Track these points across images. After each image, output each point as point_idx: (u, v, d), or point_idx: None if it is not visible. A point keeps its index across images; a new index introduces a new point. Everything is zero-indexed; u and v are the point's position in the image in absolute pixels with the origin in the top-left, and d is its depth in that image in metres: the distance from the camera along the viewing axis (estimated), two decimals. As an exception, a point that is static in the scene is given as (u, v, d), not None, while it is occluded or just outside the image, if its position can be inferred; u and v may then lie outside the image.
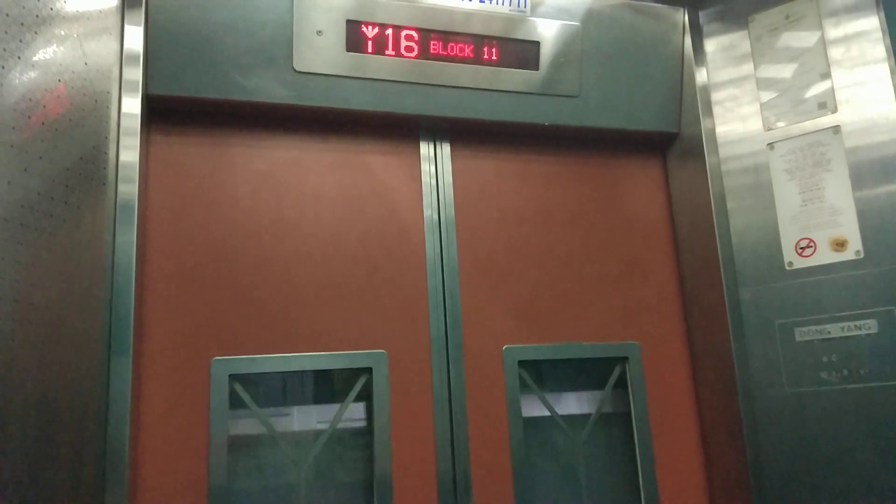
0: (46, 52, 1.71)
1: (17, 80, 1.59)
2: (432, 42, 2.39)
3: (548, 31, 2.49)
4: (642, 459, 2.50)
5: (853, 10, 2.40)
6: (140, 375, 2.06)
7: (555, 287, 2.56)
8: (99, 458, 1.83)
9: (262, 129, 2.36)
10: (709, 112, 2.59)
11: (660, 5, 2.66)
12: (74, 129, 1.81)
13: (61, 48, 1.77)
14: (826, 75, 2.42)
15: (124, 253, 1.97)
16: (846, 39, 2.40)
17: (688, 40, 2.65)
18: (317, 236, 2.34)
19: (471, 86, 2.44)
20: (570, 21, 2.53)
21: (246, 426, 2.22)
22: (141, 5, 2.11)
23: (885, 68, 2.33)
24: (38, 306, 1.61)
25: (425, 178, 2.50)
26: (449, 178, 2.52)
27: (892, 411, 2.20)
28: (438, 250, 2.44)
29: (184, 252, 2.21)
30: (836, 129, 2.38)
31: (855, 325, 2.28)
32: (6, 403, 1.49)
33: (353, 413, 2.33)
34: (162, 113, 2.24)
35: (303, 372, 2.28)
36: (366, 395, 2.30)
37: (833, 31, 2.43)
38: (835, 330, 2.30)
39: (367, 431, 2.29)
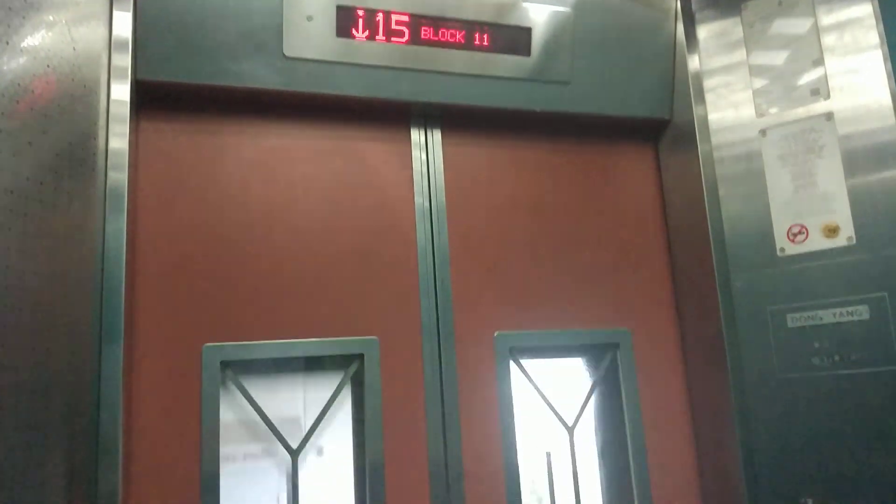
0: (35, 38, 1.70)
1: (5, 66, 1.58)
2: (423, 28, 2.38)
3: (539, 17, 2.49)
4: (633, 445, 2.51)
5: (846, -3, 2.40)
6: (131, 362, 2.06)
7: (546, 274, 2.56)
8: (91, 445, 1.83)
9: (252, 115, 2.35)
10: (701, 99, 2.59)
11: (652, -9, 2.66)
12: (63, 115, 1.80)
13: (50, 34, 1.76)
14: (819, 62, 2.42)
15: (114, 240, 1.96)
16: (839, 26, 2.40)
17: (680, 27, 2.64)
18: (307, 223, 2.34)
19: (462, 72, 2.43)
20: (562, 7, 2.52)
21: (238, 412, 2.22)
22: (130, -9, 2.10)
23: (878, 55, 2.33)
24: (28, 293, 1.60)
25: (416, 165, 2.49)
26: (440, 164, 2.51)
27: (883, 397, 2.21)
28: (429, 237, 2.44)
29: (174, 239, 2.20)
30: (828, 116, 2.38)
31: (847, 312, 2.28)
32: (-4, 390, 1.49)
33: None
34: (151, 99, 2.23)
35: (294, 358, 2.28)
36: (357, 382, 2.31)
37: (826, 18, 2.42)
38: (826, 316, 2.31)
39: (359, 418, 2.29)
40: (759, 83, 2.52)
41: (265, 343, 2.20)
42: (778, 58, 2.49)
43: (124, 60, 2.07)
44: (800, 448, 2.30)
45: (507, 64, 2.47)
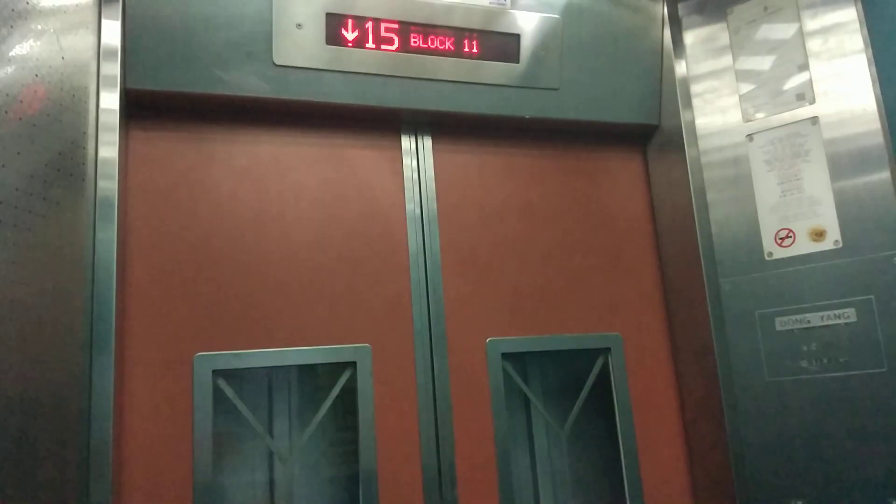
0: (23, 47, 1.69)
1: (-7, 75, 1.57)
2: (413, 35, 2.38)
3: (528, 24, 2.50)
4: (625, 450, 2.51)
5: (831, 2, 2.42)
6: (122, 372, 2.04)
7: (537, 279, 2.56)
8: (82, 457, 1.82)
9: (242, 123, 2.34)
10: (688, 104, 2.60)
11: (639, -2, 2.68)
12: (52, 124, 1.79)
13: (38, 43, 1.75)
14: (804, 67, 2.44)
15: (105, 249, 1.95)
16: (824, 31, 2.42)
17: (667, 32, 2.66)
18: (299, 231, 2.33)
19: (451, 79, 2.43)
20: (551, 14, 2.53)
21: (230, 421, 2.21)
22: (118, -1, 2.09)
23: (862, 59, 2.35)
24: (17, 303, 1.59)
25: (407, 172, 2.49)
26: (431, 171, 2.52)
27: (870, 399, 2.22)
28: (421, 244, 2.44)
29: (165, 248, 2.19)
30: (814, 121, 2.40)
31: (834, 314, 2.30)
32: (-14, 402, 1.48)
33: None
34: (141, 108, 2.22)
35: (286, 367, 2.27)
36: (350, 390, 2.30)
37: (811, 23, 2.44)
38: (814, 319, 2.33)
39: (352, 426, 2.29)
40: (745, 88, 2.54)
41: (257, 352, 2.19)
42: (764, 63, 2.51)
43: (113, 69, 2.06)
44: (789, 450, 2.32)
45: (496, 71, 2.48)
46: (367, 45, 2.33)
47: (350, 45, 2.32)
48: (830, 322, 2.30)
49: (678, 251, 2.62)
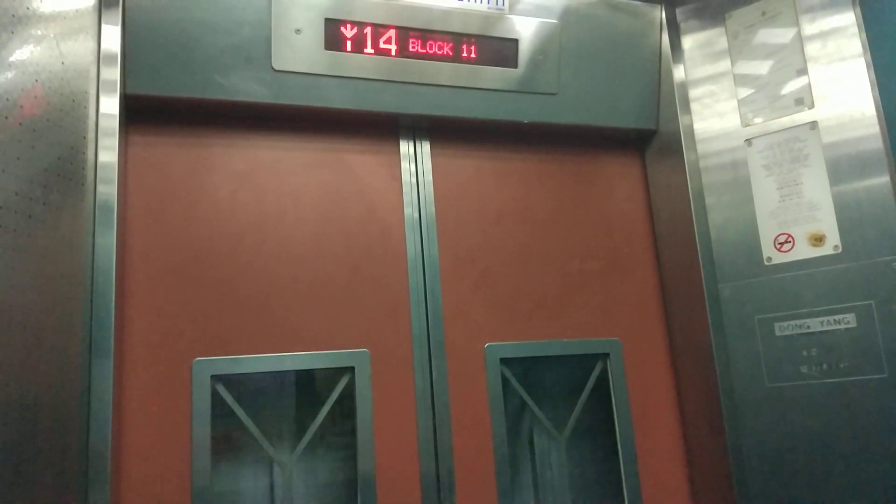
0: (23, 52, 1.70)
1: (-7, 81, 1.58)
2: (411, 40, 2.38)
3: (526, 29, 2.50)
4: (624, 455, 2.51)
5: (829, 6, 2.42)
6: (121, 377, 2.04)
7: (536, 284, 2.56)
8: (81, 462, 1.82)
9: (241, 128, 2.35)
10: (687, 109, 2.61)
11: (637, 2, 2.67)
12: (52, 129, 1.79)
13: (38, 48, 1.76)
14: (803, 71, 2.44)
15: (104, 254, 1.95)
16: (822, 35, 2.42)
17: (665, 37, 2.67)
18: (298, 236, 2.33)
19: (450, 84, 2.44)
20: (549, 18, 2.53)
21: (229, 427, 2.20)
22: (118, 5, 2.09)
23: (861, 63, 2.35)
24: (17, 308, 1.59)
25: (405, 177, 2.49)
26: (429, 176, 2.52)
27: (870, 404, 2.21)
28: (419, 249, 2.44)
29: (164, 253, 2.19)
30: (813, 125, 2.40)
31: (834, 320, 2.30)
32: (-15, 406, 1.48)
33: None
34: (140, 113, 2.22)
35: (285, 372, 2.27)
36: (348, 395, 2.30)
37: (809, 27, 2.44)
38: (814, 324, 2.32)
39: (350, 431, 2.29)
40: (743, 93, 2.54)
41: (256, 357, 2.20)
42: (762, 67, 2.52)
43: (113, 74, 2.07)
44: (789, 457, 2.31)
45: (494, 76, 2.48)
46: (365, 51, 2.34)
47: (349, 50, 2.32)
48: (830, 327, 2.30)
49: (677, 256, 2.62)
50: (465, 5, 2.44)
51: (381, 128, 2.50)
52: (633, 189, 2.80)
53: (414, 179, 2.50)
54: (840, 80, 2.37)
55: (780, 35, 2.49)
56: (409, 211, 2.47)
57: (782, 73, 2.48)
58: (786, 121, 2.45)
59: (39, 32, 1.77)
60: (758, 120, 2.50)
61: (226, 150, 2.32)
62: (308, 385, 2.36)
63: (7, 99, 1.62)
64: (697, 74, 2.63)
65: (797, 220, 2.39)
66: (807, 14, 2.45)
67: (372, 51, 2.35)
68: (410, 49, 2.39)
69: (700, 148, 2.58)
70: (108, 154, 2.02)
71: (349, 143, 2.46)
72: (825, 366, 2.29)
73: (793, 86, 2.45)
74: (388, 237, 2.42)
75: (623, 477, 2.49)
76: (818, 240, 2.35)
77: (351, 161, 2.45)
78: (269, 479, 2.24)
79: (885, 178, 2.27)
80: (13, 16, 1.67)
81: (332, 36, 2.31)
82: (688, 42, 2.67)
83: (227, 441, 2.21)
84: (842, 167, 2.34)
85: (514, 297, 2.53)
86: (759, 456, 2.35)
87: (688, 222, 2.53)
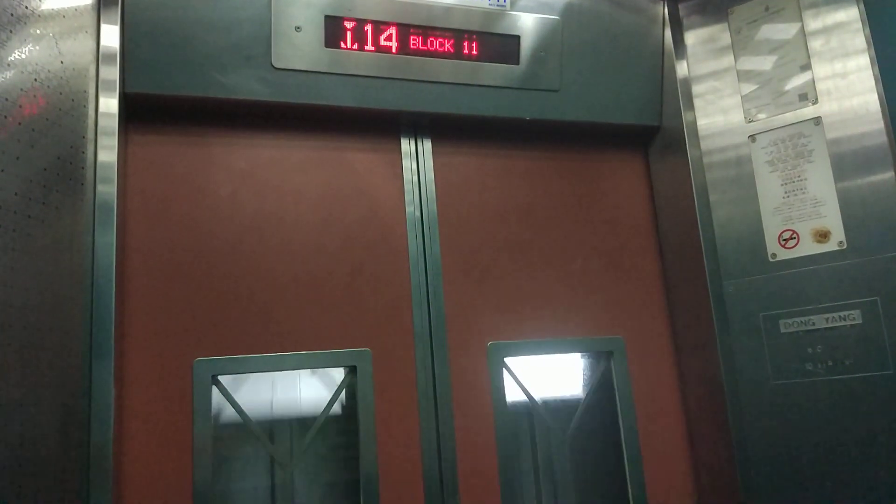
0: (22, 52, 1.70)
1: (-8, 80, 1.58)
2: (412, 37, 2.38)
3: (528, 25, 2.49)
4: (629, 454, 2.50)
5: (833, 1, 2.41)
6: (122, 377, 2.04)
7: (538, 282, 2.55)
8: (82, 462, 1.82)
9: (241, 126, 2.34)
10: (690, 105, 2.59)
11: (640, -2, 2.67)
12: (51, 128, 1.79)
13: (37, 47, 1.76)
14: (806, 67, 2.43)
15: (104, 254, 1.95)
16: (826, 30, 2.41)
17: (668, 33, 2.65)
18: (299, 235, 2.32)
19: (451, 81, 2.43)
20: (550, 15, 2.52)
21: (230, 426, 2.20)
22: (117, 3, 2.09)
23: (865, 59, 2.33)
24: (17, 308, 1.59)
25: (407, 175, 2.49)
26: (431, 174, 2.51)
27: (876, 401, 2.20)
28: (421, 247, 2.43)
29: (164, 252, 2.19)
30: (817, 121, 2.39)
31: (839, 316, 2.29)
32: (-16, 407, 1.48)
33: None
34: (140, 112, 2.22)
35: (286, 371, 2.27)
36: (350, 394, 2.29)
37: (813, 23, 2.43)
38: (819, 321, 2.31)
39: (353, 430, 2.28)
40: (747, 88, 2.53)
41: (257, 356, 2.19)
42: (765, 63, 2.50)
43: (112, 73, 2.06)
44: (795, 454, 2.30)
45: (496, 72, 2.47)
46: (366, 48, 2.33)
47: (349, 47, 2.31)
48: (835, 324, 2.29)
49: (681, 253, 2.61)
50: (466, 2, 2.43)
51: (382, 125, 2.49)
52: (637, 186, 2.78)
53: (415, 177, 2.49)
54: (844, 76, 2.36)
55: (783, 30, 2.48)
56: (411, 209, 2.46)
57: (786, 69, 2.46)
58: (789, 116, 2.44)
59: (38, 31, 1.77)
60: (761, 116, 2.48)
61: (226, 148, 2.32)
62: (310, 384, 2.35)
63: (6, 98, 1.62)
64: (700, 70, 2.61)
65: (802, 217, 2.38)
66: (810, 9, 2.44)
67: (372, 48, 2.34)
68: (411, 46, 2.38)
69: (703, 144, 2.57)
70: (107, 153, 2.02)
71: (350, 141, 2.45)
72: (830, 363, 2.28)
73: (796, 81, 2.44)
74: (389, 235, 2.42)
75: (627, 475, 2.49)
76: (823, 236, 2.34)
77: (352, 159, 2.44)
78: (271, 478, 2.23)
79: (889, 174, 2.25)
80: (12, 15, 1.67)
81: (333, 33, 2.30)
82: (690, 38, 2.65)
83: (229, 441, 2.21)
84: (846, 163, 2.33)
85: (516, 295, 2.52)
86: (764, 454, 2.34)
87: (691, 219, 2.52)
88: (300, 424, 2.30)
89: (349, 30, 2.31)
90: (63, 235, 1.81)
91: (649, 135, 2.78)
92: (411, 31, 2.37)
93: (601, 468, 2.58)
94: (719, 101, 2.57)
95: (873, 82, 2.31)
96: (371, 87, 2.36)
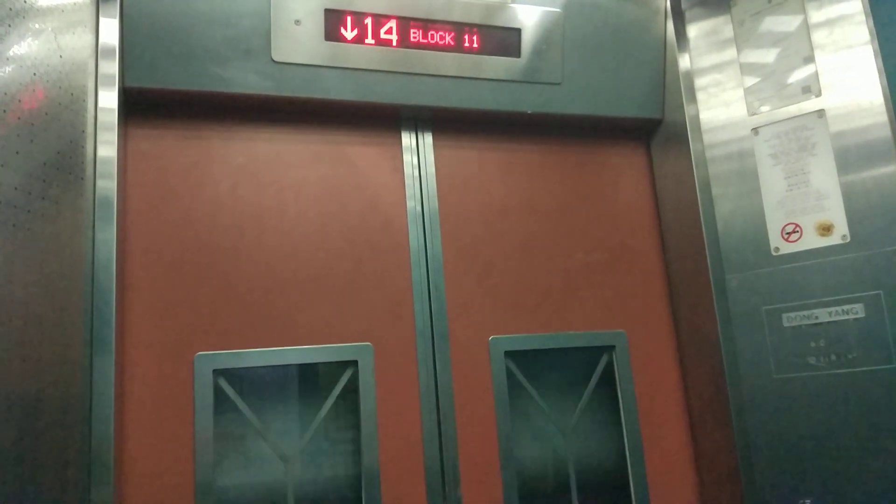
0: (20, 47, 1.69)
1: (-9, 75, 1.57)
2: (412, 30, 2.37)
3: (529, 18, 2.48)
4: (631, 448, 2.50)
5: (836, -7, 2.40)
6: (123, 372, 2.04)
7: (540, 276, 2.55)
8: (83, 457, 1.82)
9: (241, 120, 2.34)
10: (692, 98, 2.58)
11: (641, -10, 2.66)
12: (51, 123, 1.78)
13: (36, 42, 1.75)
14: (810, 59, 2.41)
15: (104, 249, 1.95)
16: (829, 23, 2.39)
17: (670, 26, 2.64)
18: (299, 229, 2.32)
19: (452, 74, 2.42)
20: (552, 7, 2.51)
21: (231, 421, 2.20)
22: (116, -3, 2.09)
23: (868, 51, 2.32)
24: (17, 303, 1.59)
25: (408, 169, 2.48)
26: (432, 168, 2.51)
27: (879, 395, 2.20)
28: (422, 241, 2.43)
29: (165, 247, 2.19)
30: (820, 114, 2.37)
31: (842, 310, 2.28)
32: (-15, 402, 1.48)
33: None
34: (139, 106, 2.22)
35: (287, 366, 2.27)
36: (352, 389, 2.29)
37: (816, 15, 2.42)
38: (822, 315, 2.30)
39: (354, 425, 2.28)
40: (750, 81, 2.51)
41: (258, 351, 2.19)
42: (768, 55, 2.49)
43: (111, 68, 2.06)
44: (798, 448, 2.29)
45: (497, 66, 2.46)
46: (366, 41, 2.33)
47: (349, 40, 2.31)
48: (838, 318, 2.28)
49: (683, 247, 2.60)
50: (466, -6, 2.42)
51: (383, 119, 2.49)
52: (639, 179, 2.78)
53: (416, 171, 2.49)
54: (847, 68, 2.35)
55: (786, 23, 2.47)
56: (412, 203, 2.45)
57: (789, 62, 2.45)
58: (793, 109, 2.42)
59: (37, 26, 1.76)
60: (764, 109, 2.47)
61: (226, 143, 2.32)
62: (311, 379, 2.35)
63: (5, 93, 1.61)
64: (703, 63, 2.60)
65: (805, 210, 2.37)
66: (813, 1, 2.43)
67: (373, 41, 2.33)
68: (412, 39, 2.37)
69: (706, 137, 2.55)
70: (107, 148, 2.02)
71: (350, 135, 2.45)
72: (833, 357, 2.27)
73: (799, 74, 2.43)
74: (390, 230, 2.41)
75: (629, 469, 2.49)
76: (826, 229, 2.33)
77: (352, 153, 2.44)
78: (273, 473, 2.23)
79: (893, 167, 2.24)
80: (10, 9, 1.66)
81: (333, 26, 2.29)
82: (693, 30, 2.64)
83: (230, 435, 2.21)
84: (850, 156, 2.32)
85: (518, 290, 2.51)
86: (767, 448, 2.34)
87: (694, 213, 2.51)
88: (301, 418, 2.29)
89: (349, 23, 2.31)
90: (63, 230, 1.81)
91: (651, 128, 2.77)
92: (411, 24, 2.37)
93: (603, 462, 2.58)
94: (722, 93, 2.55)
95: (877, 75, 2.30)
96: (371, 81, 2.35)
